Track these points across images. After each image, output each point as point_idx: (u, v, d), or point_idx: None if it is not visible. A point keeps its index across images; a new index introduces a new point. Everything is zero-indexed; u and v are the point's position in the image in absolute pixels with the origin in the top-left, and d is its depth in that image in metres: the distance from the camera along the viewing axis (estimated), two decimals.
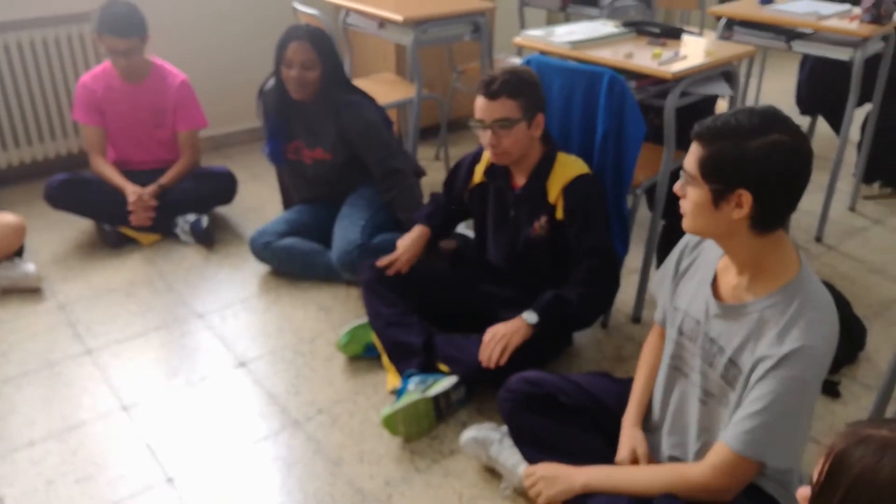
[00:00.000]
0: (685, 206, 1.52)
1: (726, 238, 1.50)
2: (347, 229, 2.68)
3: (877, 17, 2.85)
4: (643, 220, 2.85)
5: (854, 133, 3.78)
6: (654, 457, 1.77)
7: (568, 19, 4.02)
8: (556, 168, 2.21)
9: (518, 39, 2.64)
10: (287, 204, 3.16)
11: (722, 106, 2.91)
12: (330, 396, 2.24)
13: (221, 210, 3.33)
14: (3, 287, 2.75)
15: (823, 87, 3.74)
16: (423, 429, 2.08)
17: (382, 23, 3.24)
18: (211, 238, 3.10)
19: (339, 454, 2.02)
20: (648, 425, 1.83)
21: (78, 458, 2.01)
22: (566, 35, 2.57)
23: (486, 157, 2.32)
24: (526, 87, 2.13)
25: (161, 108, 3.18)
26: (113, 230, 3.09)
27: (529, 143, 2.18)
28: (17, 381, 2.31)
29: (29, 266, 2.79)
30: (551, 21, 5.13)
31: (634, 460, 1.75)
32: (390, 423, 2.03)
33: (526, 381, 1.92)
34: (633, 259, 2.74)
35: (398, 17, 3.02)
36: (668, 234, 2.64)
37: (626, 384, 1.92)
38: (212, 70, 3.87)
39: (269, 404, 2.21)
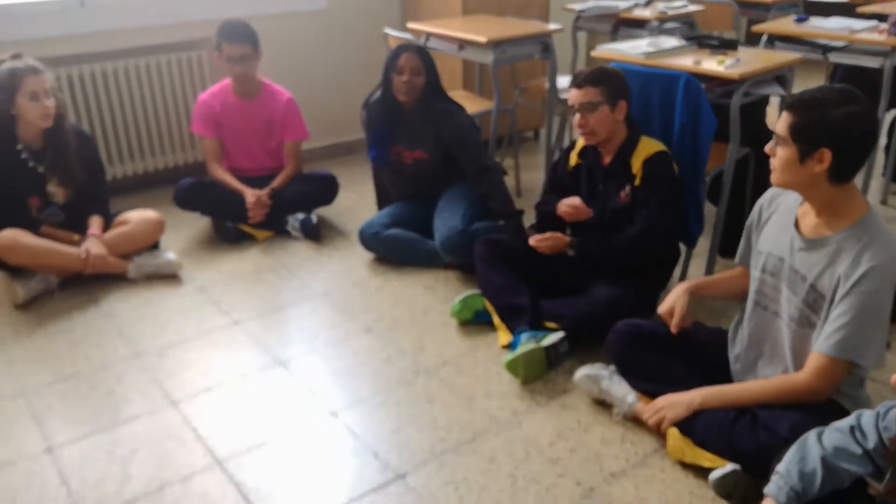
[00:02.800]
0: (775, 163, 1.91)
1: (808, 188, 1.89)
2: (449, 218, 3.09)
3: None
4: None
5: (881, 137, 4.19)
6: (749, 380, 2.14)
7: (614, 41, 4.47)
8: (639, 147, 2.63)
9: (596, 53, 3.07)
10: (382, 203, 3.57)
11: (772, 109, 3.31)
12: (452, 352, 2.63)
13: (320, 211, 3.75)
14: (146, 273, 3.16)
15: None
16: (537, 373, 2.46)
17: (462, 45, 3.69)
18: (319, 233, 3.52)
19: (470, 392, 2.41)
20: (734, 357, 2.21)
21: (253, 397, 2.41)
22: (638, 48, 3.00)
23: (579, 143, 2.74)
24: (607, 77, 2.57)
25: (271, 121, 3.64)
26: (233, 226, 3.52)
27: (614, 125, 2.60)
28: (182, 346, 2.71)
29: (169, 254, 3.21)
30: (594, 43, 5.60)
31: (670, 314, 2.18)
32: (513, 366, 2.42)
33: (630, 324, 2.31)
34: (701, 242, 3.11)
35: (482, 39, 3.47)
36: (731, 220, 3.03)
37: (715, 329, 2.31)
38: (304, 91, 4.34)
39: (400, 358, 2.60)
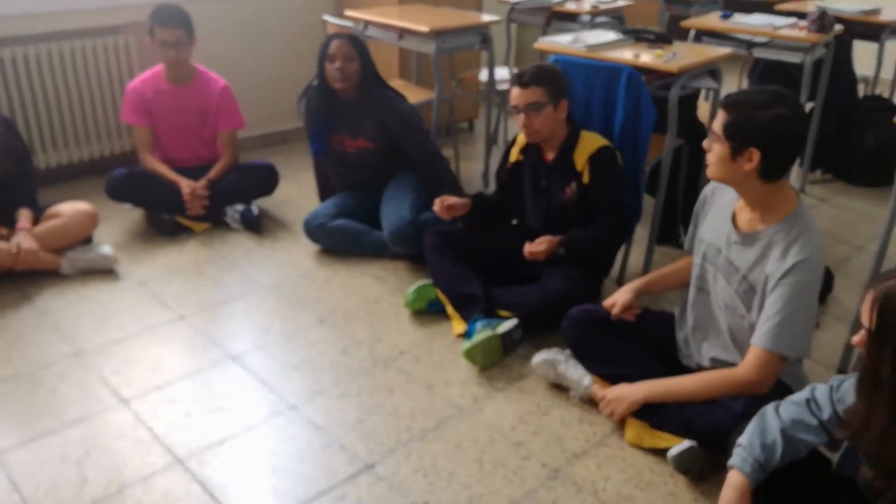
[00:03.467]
0: (710, 157, 2.00)
1: (741, 184, 1.99)
2: (397, 208, 3.09)
3: (821, 27, 3.48)
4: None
5: None
6: (697, 363, 2.25)
7: (545, 34, 4.55)
8: (580, 142, 2.70)
9: (539, 44, 3.13)
10: (324, 195, 3.53)
11: (703, 102, 3.47)
12: (408, 341, 2.65)
13: (258, 202, 3.67)
14: (81, 268, 3.04)
15: None
16: (494, 360, 2.51)
17: (402, 34, 3.69)
18: (260, 225, 3.46)
19: (430, 381, 2.44)
20: (682, 339, 2.31)
21: (208, 393, 2.36)
22: (579, 41, 3.07)
23: (520, 140, 2.79)
24: (550, 76, 2.62)
25: (205, 109, 3.54)
26: (170, 219, 3.41)
27: (556, 123, 2.66)
28: (126, 342, 2.62)
29: (105, 248, 3.09)
30: (525, 36, 5.69)
31: (611, 307, 2.30)
32: (470, 354, 2.46)
33: (584, 310, 2.39)
34: (639, 231, 3.23)
35: (424, 28, 3.48)
36: (664, 210, 3.16)
37: (661, 312, 2.42)
38: (238, 79, 4.24)
39: (357, 348, 2.60)
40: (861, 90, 4.49)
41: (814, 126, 3.95)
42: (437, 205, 2.79)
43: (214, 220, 3.49)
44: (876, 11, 4.18)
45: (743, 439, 1.68)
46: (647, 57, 2.90)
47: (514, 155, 2.84)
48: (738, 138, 1.90)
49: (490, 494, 1.98)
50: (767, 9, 4.22)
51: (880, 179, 3.97)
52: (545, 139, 2.69)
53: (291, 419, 2.25)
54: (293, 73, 4.46)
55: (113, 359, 2.52)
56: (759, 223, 2.01)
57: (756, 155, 1.89)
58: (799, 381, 2.12)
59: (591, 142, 2.68)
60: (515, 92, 2.62)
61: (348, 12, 3.89)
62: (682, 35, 3.76)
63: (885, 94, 4.58)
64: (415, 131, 3.17)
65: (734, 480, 1.64)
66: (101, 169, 3.63)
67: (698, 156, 3.15)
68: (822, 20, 3.47)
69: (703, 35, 3.74)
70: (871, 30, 4.09)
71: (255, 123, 4.38)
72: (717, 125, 1.95)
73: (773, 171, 1.92)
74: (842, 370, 2.51)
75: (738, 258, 2.05)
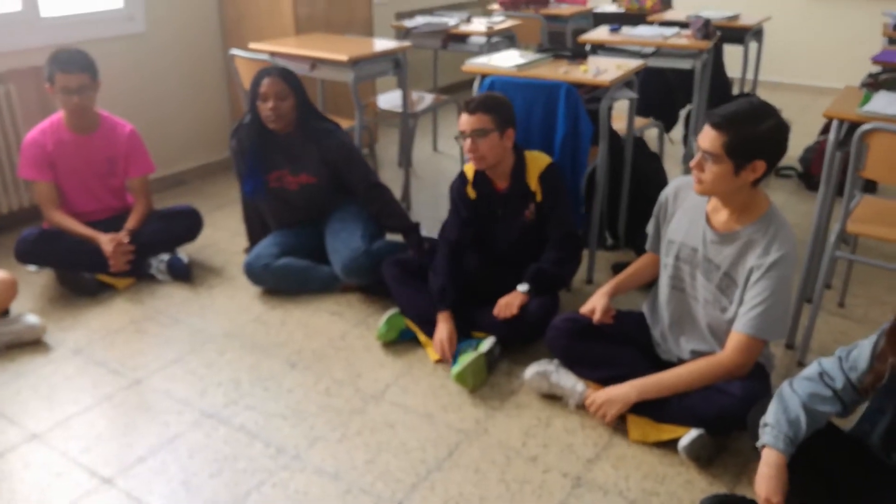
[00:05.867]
0: (705, 176, 2.08)
1: (734, 194, 2.12)
2: (348, 240, 3.03)
3: (706, 34, 3.80)
4: None
5: (677, 131, 4.81)
6: (677, 357, 2.39)
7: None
8: (528, 164, 2.78)
9: (467, 67, 3.20)
10: (254, 237, 3.40)
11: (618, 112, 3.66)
12: (389, 373, 2.61)
13: (183, 249, 3.48)
14: (6, 343, 2.75)
15: (652, 95, 4.70)
16: (482, 379, 2.54)
17: (314, 64, 3.64)
18: (190, 274, 3.28)
19: (426, 410, 2.42)
20: (659, 335, 2.45)
21: (199, 458, 2.21)
22: (503, 61, 3.17)
23: (469, 175, 2.81)
24: (497, 105, 2.69)
25: (113, 157, 3.31)
26: (90, 278, 3.16)
27: (503, 151, 2.72)
28: (85, 416, 2.40)
29: (30, 318, 2.81)
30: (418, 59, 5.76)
31: (591, 312, 2.40)
32: (462, 377, 2.47)
33: (567, 319, 2.47)
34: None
35: (342, 57, 3.45)
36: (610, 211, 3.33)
37: (631, 312, 2.54)
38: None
39: (339, 387, 2.53)
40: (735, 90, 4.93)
41: (692, 127, 4.29)
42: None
43: (137, 273, 3.27)
44: (737, 17, 4.61)
45: (769, 418, 1.81)
46: (574, 73, 3.04)
47: (472, 194, 2.84)
48: (742, 154, 2.01)
49: None
50: (636, 21, 4.53)
51: None
52: (491, 166, 2.73)
53: (298, 470, 2.16)
54: (180, 112, 4.29)
55: (77, 436, 2.31)
56: (736, 223, 2.17)
57: (761, 166, 2.03)
58: (769, 360, 2.31)
59: (538, 161, 2.77)
60: (463, 118, 2.66)
61: (253, 45, 3.78)
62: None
63: (755, 92, 5.04)
64: (357, 162, 3.13)
65: (770, 457, 1.76)
66: None
67: (616, 162, 3.37)
68: (706, 28, 3.79)
69: (600, 49, 3.97)
70: (736, 34, 4.51)
71: None
72: (714, 146, 2.02)
73: (764, 177, 2.08)
74: (789, 345, 2.75)
75: (717, 256, 2.20)
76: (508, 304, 2.64)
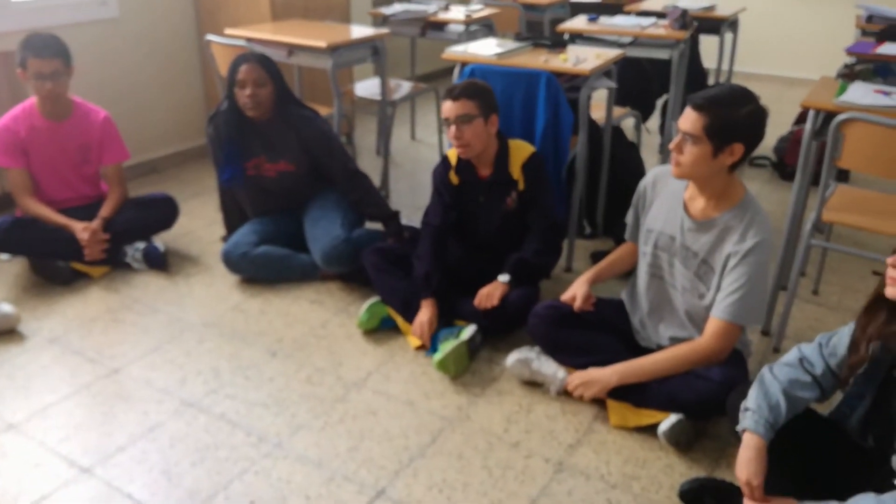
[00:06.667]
0: (683, 159, 2.11)
1: (710, 178, 2.14)
2: (328, 228, 3.02)
3: (683, 24, 3.82)
4: None
5: (653, 121, 4.84)
6: (656, 343, 2.41)
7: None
8: (511, 153, 2.79)
9: (447, 55, 3.19)
10: (231, 225, 3.36)
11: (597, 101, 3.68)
12: (371, 361, 2.61)
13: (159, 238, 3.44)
14: None
15: (629, 85, 4.73)
16: (464, 367, 2.55)
17: (292, 50, 3.61)
18: (166, 262, 3.24)
19: (408, 397, 2.42)
20: (638, 322, 2.47)
21: (181, 447, 2.19)
22: (482, 49, 3.17)
23: (452, 160, 2.81)
24: (481, 91, 2.69)
25: (87, 144, 3.25)
26: (65, 266, 3.11)
27: (487, 138, 2.72)
28: (63, 405, 2.37)
29: (4, 307, 2.76)
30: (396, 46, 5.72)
31: (572, 300, 2.41)
32: (444, 364, 2.48)
33: (548, 307, 2.48)
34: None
35: (321, 44, 3.43)
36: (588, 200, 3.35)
37: (610, 300, 2.56)
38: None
39: (321, 375, 2.52)
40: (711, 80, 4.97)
41: (669, 116, 4.32)
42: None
43: (113, 262, 3.22)
44: (713, 7, 4.65)
45: (750, 403, 1.83)
46: (554, 62, 3.04)
47: (454, 180, 2.84)
48: (721, 136, 2.04)
49: (509, 498, 2.01)
50: (614, 11, 4.54)
51: None
52: (476, 154, 2.73)
53: (281, 458, 2.15)
54: (155, 98, 4.23)
55: (54, 426, 2.28)
56: (713, 210, 2.19)
57: (739, 149, 2.05)
58: (746, 346, 2.35)
59: (521, 150, 2.77)
60: (447, 105, 2.65)
61: (230, 30, 3.74)
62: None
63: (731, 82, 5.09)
64: (337, 150, 3.11)
65: (751, 441, 1.78)
66: None
67: (595, 152, 3.39)
68: (684, 18, 3.82)
69: (578, 38, 3.98)
70: (712, 24, 4.55)
71: None
72: (694, 127, 2.05)
73: (741, 161, 2.10)
74: (765, 332, 2.79)
75: (695, 243, 2.23)
76: (489, 295, 2.64)
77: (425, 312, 2.64)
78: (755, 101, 2.06)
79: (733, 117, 2.03)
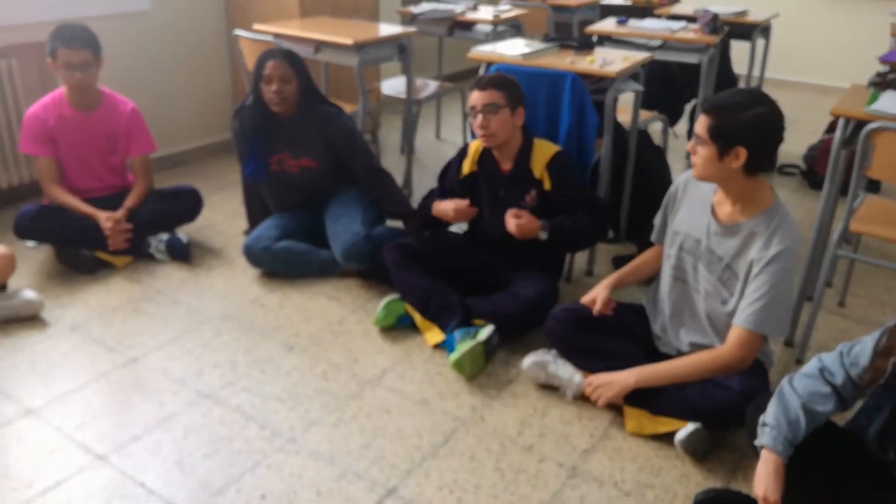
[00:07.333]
0: (696, 159, 2.12)
1: (726, 180, 2.13)
2: (349, 225, 3.02)
3: (714, 29, 3.77)
4: None
5: (682, 126, 4.79)
6: (676, 349, 2.38)
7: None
8: (535, 151, 2.77)
9: (473, 54, 3.18)
10: (254, 219, 3.38)
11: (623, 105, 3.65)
12: (387, 359, 2.60)
13: (182, 230, 3.46)
14: (2, 318, 2.74)
15: (657, 88, 4.68)
16: (480, 367, 2.53)
17: (319, 47, 3.62)
18: (189, 254, 3.26)
19: (423, 396, 2.41)
20: (660, 327, 2.44)
21: (196, 439, 2.20)
22: (509, 49, 3.15)
23: (472, 151, 2.82)
24: (508, 83, 2.69)
25: (114, 134, 3.29)
26: (89, 255, 3.14)
27: (512, 129, 2.71)
28: (81, 393, 2.40)
29: (28, 293, 2.80)
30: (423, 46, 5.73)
31: (591, 303, 2.39)
32: (459, 365, 2.46)
33: (566, 310, 2.46)
34: None
35: (347, 41, 3.43)
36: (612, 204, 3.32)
37: (631, 304, 2.53)
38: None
39: (336, 371, 2.52)
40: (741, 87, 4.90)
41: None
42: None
43: (136, 252, 3.25)
44: (745, 13, 4.59)
45: (769, 419, 1.80)
46: (581, 63, 3.02)
47: (468, 167, 2.85)
48: (724, 139, 2.02)
49: (520, 501, 2.00)
50: (643, 13, 4.50)
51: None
52: (500, 145, 2.72)
53: (293, 453, 2.16)
54: (184, 91, 4.27)
55: (72, 413, 2.30)
56: (740, 215, 2.16)
57: (743, 153, 2.02)
58: (768, 356, 2.31)
59: (545, 149, 2.76)
60: (474, 95, 2.65)
61: (258, 26, 3.76)
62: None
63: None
64: (361, 147, 3.12)
65: (769, 458, 1.75)
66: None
67: (621, 156, 3.35)
68: (714, 22, 3.77)
69: (606, 40, 3.95)
70: (744, 30, 4.48)
71: None
72: (702, 129, 2.06)
73: (756, 166, 2.06)
74: (788, 342, 2.74)
75: (720, 248, 2.19)
76: (519, 222, 2.61)
77: (448, 202, 2.81)
78: (765, 106, 2.03)
79: (735, 120, 2.01)
